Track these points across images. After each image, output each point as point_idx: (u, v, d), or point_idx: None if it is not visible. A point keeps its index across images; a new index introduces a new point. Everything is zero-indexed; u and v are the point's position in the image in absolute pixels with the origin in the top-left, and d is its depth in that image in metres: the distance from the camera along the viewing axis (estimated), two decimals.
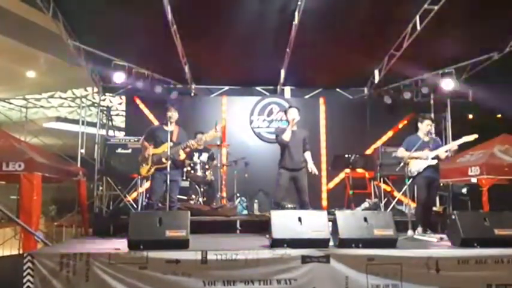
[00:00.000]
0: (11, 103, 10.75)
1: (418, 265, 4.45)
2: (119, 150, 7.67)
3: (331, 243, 4.63)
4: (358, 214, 4.86)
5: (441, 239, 5.47)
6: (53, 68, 11.48)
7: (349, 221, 4.72)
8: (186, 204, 7.05)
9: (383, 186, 8.21)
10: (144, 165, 5.86)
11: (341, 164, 7.59)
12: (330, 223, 4.81)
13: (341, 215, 4.81)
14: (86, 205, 8.05)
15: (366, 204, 7.59)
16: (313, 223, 4.63)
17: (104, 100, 11.60)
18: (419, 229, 5.96)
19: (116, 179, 7.97)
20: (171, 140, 5.63)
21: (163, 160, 5.63)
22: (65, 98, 12.27)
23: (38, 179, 6.13)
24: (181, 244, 4.45)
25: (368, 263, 4.40)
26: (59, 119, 14.35)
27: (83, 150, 8.73)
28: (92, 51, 7.68)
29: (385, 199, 8.07)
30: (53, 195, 16.09)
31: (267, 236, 4.81)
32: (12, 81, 12.22)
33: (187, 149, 5.79)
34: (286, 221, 4.65)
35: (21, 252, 5.93)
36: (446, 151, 6.17)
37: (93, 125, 9.31)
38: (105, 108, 9.53)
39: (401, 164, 6.03)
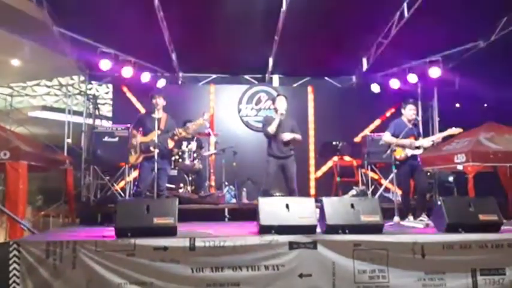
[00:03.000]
0: None
1: (404, 250, 4.48)
2: (106, 139, 7.58)
3: (318, 229, 4.66)
4: (345, 200, 4.90)
5: (427, 225, 5.53)
6: (38, 56, 11.32)
7: (336, 207, 4.74)
8: (174, 192, 7.04)
9: (370, 174, 8.26)
10: (132, 153, 5.83)
11: (329, 151, 7.65)
12: (318, 210, 4.85)
13: (328, 201, 4.82)
14: (73, 194, 8.02)
15: (353, 192, 7.64)
16: (300, 210, 4.64)
17: (90, 89, 11.52)
18: (410, 217, 6.03)
19: (102, 168, 7.89)
20: (158, 128, 5.59)
21: (151, 148, 5.60)
22: (51, 87, 12.08)
23: (24, 168, 6.07)
24: (169, 231, 4.43)
25: (355, 249, 4.43)
26: (44, 107, 14.19)
27: (69, 140, 8.66)
28: (77, 38, 7.54)
29: (373, 186, 8.14)
30: (39, 184, 15.94)
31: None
32: None
33: (175, 137, 5.76)
34: (273, 208, 4.65)
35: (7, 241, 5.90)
36: (433, 141, 6.23)
37: (80, 113, 9.22)
38: (91, 97, 9.42)
39: (388, 151, 6.07)
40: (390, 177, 7.45)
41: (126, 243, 4.24)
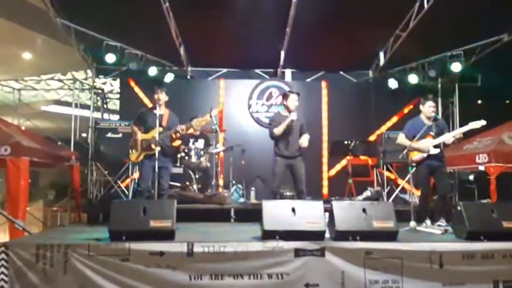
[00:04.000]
0: (2, 85, 10.49)
1: (420, 259, 4.21)
2: (109, 135, 7.39)
3: (327, 235, 4.38)
4: (356, 205, 4.55)
5: (446, 231, 5.17)
6: (51, 50, 11.21)
7: (347, 212, 4.45)
8: (179, 191, 6.82)
9: (386, 173, 7.88)
10: (133, 151, 5.59)
11: (340, 150, 7.29)
12: (327, 214, 4.54)
13: (338, 205, 4.52)
14: (79, 191, 7.90)
15: (367, 193, 7.29)
16: (307, 214, 4.37)
17: (104, 83, 11.40)
18: (428, 221, 5.66)
19: (105, 165, 7.70)
20: (160, 125, 5.33)
21: (153, 146, 5.35)
22: (61, 80, 11.97)
23: (26, 164, 5.90)
24: (166, 235, 4.20)
25: (366, 257, 4.17)
26: (57, 102, 14.13)
27: (76, 135, 8.53)
28: (82, 30, 7.33)
29: (388, 187, 7.76)
30: (52, 179, 15.99)
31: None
32: (7, 63, 11.96)
33: (178, 135, 5.50)
34: (278, 212, 4.38)
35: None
36: (453, 137, 5.82)
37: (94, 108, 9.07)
38: (99, 91, 9.25)
39: (404, 152, 5.71)
40: (407, 178, 7.12)
41: (121, 247, 4.03)
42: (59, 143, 8.55)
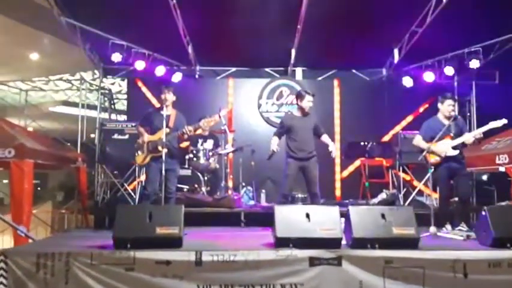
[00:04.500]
0: (9, 86, 10.39)
1: (443, 268, 3.94)
2: (115, 136, 7.18)
3: (343, 242, 4.13)
4: (374, 210, 4.29)
5: (468, 237, 4.89)
6: (59, 51, 11.10)
7: (364, 217, 4.20)
8: (187, 194, 6.62)
9: (402, 175, 7.58)
10: (139, 153, 5.38)
11: (356, 152, 7.00)
12: (343, 219, 4.29)
13: (355, 211, 4.26)
14: (86, 193, 7.77)
15: (383, 195, 7.00)
16: (323, 220, 4.13)
17: (112, 84, 11.27)
18: (448, 226, 5.38)
19: (112, 167, 7.51)
20: (167, 126, 5.12)
21: (160, 148, 5.13)
22: (69, 81, 11.85)
23: (30, 167, 5.77)
24: (173, 243, 3.98)
25: (386, 266, 3.91)
26: (65, 102, 14.05)
27: (83, 136, 8.38)
28: (87, 29, 7.15)
29: (404, 189, 7.46)
30: (61, 180, 15.95)
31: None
32: (14, 63, 11.87)
33: (185, 136, 5.28)
34: (292, 218, 4.14)
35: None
36: (474, 137, 5.53)
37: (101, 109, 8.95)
38: (106, 91, 9.08)
39: (422, 154, 5.44)
40: (424, 180, 6.85)
41: (125, 256, 3.81)
42: (68, 144, 8.44)
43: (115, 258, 3.80)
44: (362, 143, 6.66)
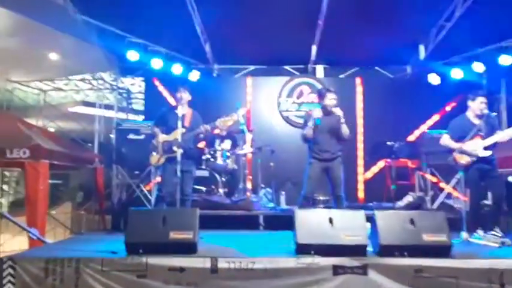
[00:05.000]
0: (29, 86, 10.40)
1: (478, 278, 3.65)
2: (131, 136, 7.02)
3: (369, 249, 3.86)
4: (402, 214, 4.01)
5: (503, 243, 4.55)
6: (79, 51, 11.07)
7: (392, 222, 3.92)
8: (204, 196, 6.42)
9: (429, 177, 7.23)
10: (154, 153, 5.19)
11: (381, 152, 6.64)
12: (368, 224, 4.01)
13: (382, 215, 3.99)
14: (103, 194, 7.65)
15: (409, 198, 6.66)
16: (347, 225, 3.88)
17: (133, 85, 11.19)
18: (480, 232, 5.03)
19: (127, 167, 7.36)
20: (182, 126, 4.92)
21: (175, 148, 4.94)
22: (90, 81, 11.83)
23: (45, 167, 5.64)
24: (188, 248, 3.78)
25: (415, 276, 3.65)
26: (85, 103, 14.06)
27: (101, 136, 8.30)
28: (103, 27, 7.03)
29: (431, 192, 7.11)
30: (80, 180, 15.97)
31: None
32: (33, 63, 11.89)
33: (201, 136, 5.09)
34: (314, 222, 3.90)
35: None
36: (509, 136, 5.17)
37: (119, 109, 8.88)
38: (124, 91, 8.97)
39: (453, 155, 5.12)
40: (454, 182, 6.49)
41: (137, 262, 3.62)
42: (89, 145, 8.36)
43: (127, 264, 3.62)
44: (389, 143, 6.28)
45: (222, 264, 3.61)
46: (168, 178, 5.05)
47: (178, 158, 4.81)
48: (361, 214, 3.98)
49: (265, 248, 4.33)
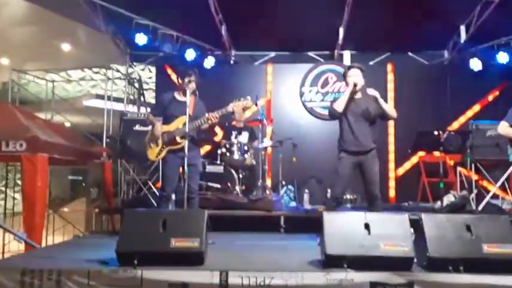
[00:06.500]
0: (39, 77, 10.07)
1: None
2: (137, 128, 6.47)
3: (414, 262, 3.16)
4: (456, 220, 3.28)
5: None
6: (92, 41, 10.74)
7: (443, 230, 3.20)
8: (219, 194, 5.85)
9: (473, 174, 6.48)
10: (152, 146, 4.56)
11: (426, 143, 5.88)
12: (412, 230, 3.30)
13: (429, 220, 3.27)
14: (112, 190, 7.20)
15: (450, 198, 5.93)
16: (388, 232, 3.18)
17: (150, 78, 10.82)
18: None
19: (133, 162, 6.85)
20: (185, 114, 4.30)
21: (178, 139, 4.32)
22: (99, 72, 11.48)
23: (43, 161, 5.17)
24: (192, 259, 3.13)
25: None
26: (98, 96, 13.80)
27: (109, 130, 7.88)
28: (108, 7, 6.55)
29: (476, 191, 6.34)
30: (95, 176, 15.69)
31: (318, 241, 3.48)
32: (45, 54, 11.60)
33: (206, 125, 4.47)
34: (346, 228, 3.21)
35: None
36: None
37: (130, 101, 8.55)
38: (134, 80, 8.49)
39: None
40: (502, 179, 5.72)
41: (130, 275, 3.00)
42: (107, 140, 7.96)
43: (118, 278, 2.99)
44: (436, 132, 5.53)
45: (234, 279, 2.95)
46: (172, 174, 4.44)
47: (186, 149, 4.18)
48: (404, 218, 3.27)
49: (286, 258, 3.71)
